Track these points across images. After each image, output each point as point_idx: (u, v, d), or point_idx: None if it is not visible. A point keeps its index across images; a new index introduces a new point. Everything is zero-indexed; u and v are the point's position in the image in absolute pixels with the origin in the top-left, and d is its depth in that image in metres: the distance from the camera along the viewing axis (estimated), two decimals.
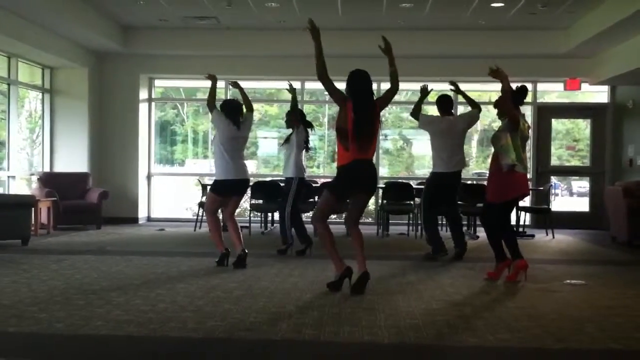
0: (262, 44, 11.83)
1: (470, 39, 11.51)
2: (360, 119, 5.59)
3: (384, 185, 10.85)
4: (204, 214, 7.54)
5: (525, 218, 11.78)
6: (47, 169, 11.80)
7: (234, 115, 7.24)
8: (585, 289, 6.10)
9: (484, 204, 6.85)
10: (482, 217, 6.75)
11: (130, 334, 4.27)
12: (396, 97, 13.10)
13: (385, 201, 10.62)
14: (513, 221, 10.95)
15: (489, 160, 6.73)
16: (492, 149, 6.56)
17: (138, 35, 11.91)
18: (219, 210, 7.55)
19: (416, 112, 8.00)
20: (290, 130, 8.36)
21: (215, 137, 7.26)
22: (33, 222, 9.41)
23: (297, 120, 8.21)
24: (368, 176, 5.76)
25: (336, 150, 5.81)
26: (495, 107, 6.68)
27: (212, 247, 7.50)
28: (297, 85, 12.83)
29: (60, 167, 11.86)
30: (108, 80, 12.38)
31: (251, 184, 10.67)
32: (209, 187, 7.86)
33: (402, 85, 13.07)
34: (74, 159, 11.88)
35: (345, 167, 5.68)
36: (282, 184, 8.55)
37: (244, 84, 13.36)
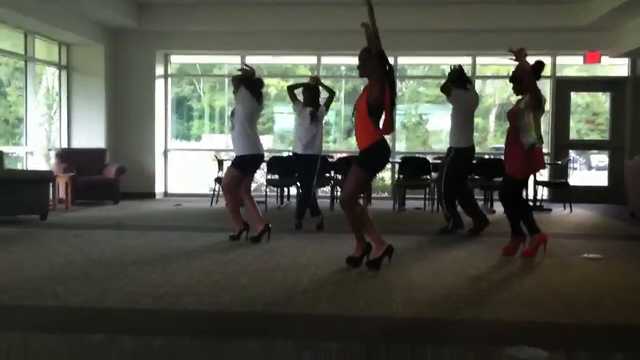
0: (278, 19, 11.74)
1: (489, 12, 11.35)
2: (393, 98, 5.62)
3: (400, 160, 10.80)
4: (222, 191, 7.40)
5: (543, 192, 11.69)
6: (64, 145, 11.86)
7: (258, 90, 7.31)
8: (603, 264, 6.06)
9: (504, 179, 6.71)
10: (503, 192, 6.66)
11: (146, 307, 4.30)
12: (413, 72, 13.14)
13: (401, 176, 10.59)
14: (531, 195, 10.93)
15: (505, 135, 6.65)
16: (508, 124, 6.51)
17: (153, 12, 11.86)
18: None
19: (447, 88, 7.92)
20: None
21: (238, 112, 7.16)
22: (51, 198, 9.48)
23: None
24: (389, 154, 5.90)
25: (355, 126, 5.72)
26: (511, 81, 6.54)
27: (228, 222, 7.52)
28: (313, 60, 12.81)
29: (78, 143, 11.92)
30: (124, 56, 12.37)
31: (267, 159, 10.71)
32: (227, 164, 7.78)
33: (419, 60, 13.18)
34: (91, 135, 11.93)
35: (378, 144, 5.62)
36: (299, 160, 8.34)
37: (259, 59, 13.50)
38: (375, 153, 5.64)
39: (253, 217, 7.13)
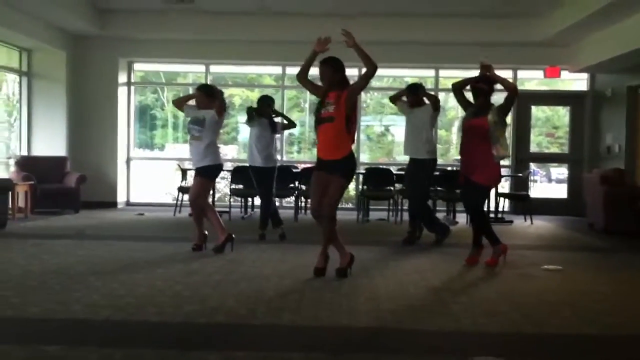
0: (243, 28, 11.73)
1: (451, 26, 11.51)
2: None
3: (364, 171, 10.85)
4: (193, 203, 7.18)
5: (504, 204, 11.85)
6: (24, 153, 11.66)
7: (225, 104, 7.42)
8: (562, 275, 6.16)
9: (474, 189, 6.55)
10: (475, 202, 6.63)
11: (107, 319, 4.24)
12: (377, 84, 13.24)
13: (365, 187, 10.64)
14: (492, 207, 11.07)
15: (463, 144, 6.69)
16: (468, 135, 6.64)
17: (116, 19, 11.75)
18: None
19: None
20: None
21: (210, 123, 7.03)
22: (10, 206, 9.31)
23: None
24: None
25: (328, 137, 5.72)
26: (478, 95, 6.64)
27: (191, 231, 7.47)
28: (278, 70, 12.83)
29: (38, 151, 11.73)
30: (86, 63, 12.23)
31: (231, 168, 10.67)
32: (192, 173, 7.59)
33: (384, 72, 13.27)
34: (52, 142, 11.75)
35: (353, 153, 5.88)
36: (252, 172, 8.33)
37: (224, 68, 13.47)
38: (352, 162, 5.84)
39: (216, 226, 7.09)
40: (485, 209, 11.29)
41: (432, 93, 8.76)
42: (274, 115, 8.31)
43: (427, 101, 7.89)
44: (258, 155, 8.09)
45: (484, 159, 6.42)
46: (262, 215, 8.32)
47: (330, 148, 5.69)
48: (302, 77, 5.87)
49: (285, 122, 8.59)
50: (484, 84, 6.60)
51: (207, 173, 7.11)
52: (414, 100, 7.94)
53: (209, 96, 7.16)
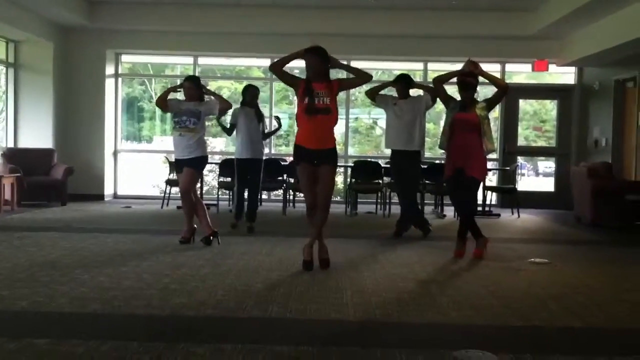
0: (232, 20, 11.69)
1: (440, 19, 11.52)
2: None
3: (352, 164, 10.86)
4: (184, 195, 7.08)
5: (492, 198, 11.89)
6: (11, 145, 11.58)
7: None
8: (549, 268, 6.20)
9: (469, 184, 6.57)
10: (470, 196, 6.77)
11: (94, 312, 4.23)
12: None
13: (353, 180, 10.64)
14: (480, 200, 11.11)
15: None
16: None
17: (104, 10, 11.68)
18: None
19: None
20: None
21: (203, 116, 7.08)
22: None
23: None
24: None
25: (324, 125, 5.78)
26: (467, 89, 6.62)
27: (178, 224, 7.45)
28: (266, 62, 12.77)
29: (25, 143, 11.65)
30: (74, 55, 12.15)
31: (219, 161, 10.64)
32: (178, 166, 7.43)
33: (372, 64, 13.27)
34: (38, 134, 11.67)
35: None
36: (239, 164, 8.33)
37: (212, 60, 13.41)
38: (336, 151, 5.94)
39: (203, 221, 7.09)
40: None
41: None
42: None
43: (420, 92, 7.86)
44: (243, 147, 8.08)
45: (477, 153, 6.50)
46: (249, 209, 8.29)
47: (324, 138, 5.74)
48: (279, 67, 5.88)
49: (272, 127, 8.78)
50: (472, 78, 6.63)
51: (199, 164, 7.11)
52: (405, 91, 7.86)
53: (199, 87, 7.16)
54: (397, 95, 7.91)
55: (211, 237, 7.01)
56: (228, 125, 8.31)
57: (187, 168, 7.01)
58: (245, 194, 8.38)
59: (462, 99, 6.68)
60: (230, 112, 7.98)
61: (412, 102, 7.83)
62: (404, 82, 7.87)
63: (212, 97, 7.39)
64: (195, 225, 7.16)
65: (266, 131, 8.50)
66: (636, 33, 9.09)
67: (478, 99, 6.80)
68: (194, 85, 7.13)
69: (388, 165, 10.42)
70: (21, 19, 10.63)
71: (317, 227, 5.82)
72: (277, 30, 11.57)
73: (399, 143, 7.82)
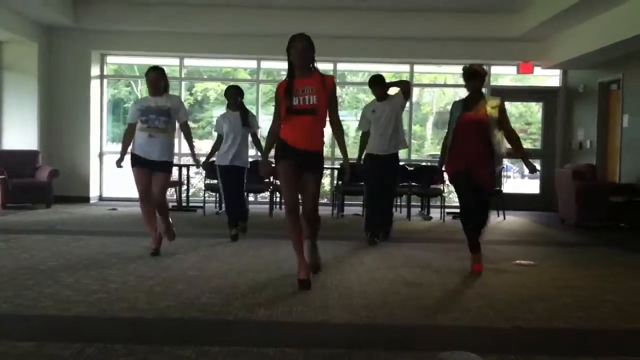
0: (219, 21, 11.67)
1: (425, 21, 11.56)
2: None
3: (339, 166, 10.86)
4: (159, 201, 6.51)
5: None
6: None
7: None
8: (534, 270, 6.22)
9: (483, 192, 5.88)
10: (486, 205, 6.07)
11: (79, 315, 4.21)
12: (353, 78, 13.25)
13: (340, 182, 10.64)
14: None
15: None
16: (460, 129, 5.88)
17: (89, 10, 11.62)
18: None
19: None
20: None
21: (177, 118, 6.53)
22: None
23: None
24: None
25: (309, 125, 5.13)
26: (472, 77, 5.93)
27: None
28: (253, 64, 12.78)
29: (9, 145, 11.56)
30: (59, 55, 12.07)
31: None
32: (140, 166, 6.85)
33: (359, 66, 13.31)
34: (23, 136, 11.59)
35: None
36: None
37: (198, 61, 13.37)
38: (322, 156, 5.36)
39: (170, 228, 6.71)
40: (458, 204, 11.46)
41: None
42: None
43: (393, 91, 7.62)
44: (227, 153, 7.58)
45: (486, 161, 5.83)
46: (232, 214, 7.82)
47: (311, 138, 5.12)
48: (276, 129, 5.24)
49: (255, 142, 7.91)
50: (478, 65, 6.04)
51: (170, 168, 6.59)
52: (383, 92, 7.61)
53: (165, 78, 6.52)
54: (375, 100, 7.68)
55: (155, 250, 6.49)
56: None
57: (163, 173, 6.44)
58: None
59: (467, 89, 5.96)
60: (214, 121, 7.46)
61: (390, 103, 7.56)
62: (379, 83, 7.60)
63: (177, 101, 6.70)
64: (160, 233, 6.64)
65: (257, 131, 8.04)
66: (620, 35, 9.17)
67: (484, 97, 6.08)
68: (160, 75, 6.45)
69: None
70: (4, 19, 10.55)
71: (310, 236, 5.37)
72: (263, 31, 11.56)
73: (376, 146, 7.55)
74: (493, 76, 12.78)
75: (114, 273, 5.53)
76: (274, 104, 5.31)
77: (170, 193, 12.30)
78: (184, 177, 11.29)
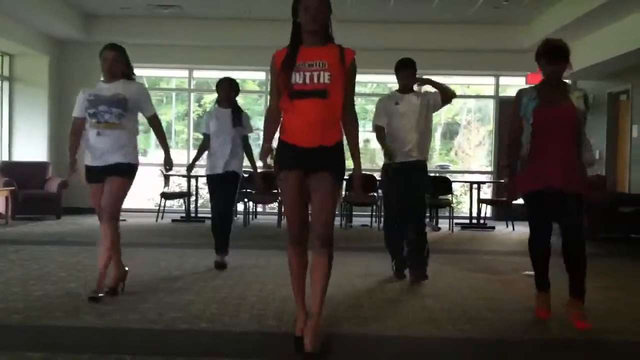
0: (227, 34, 11.74)
1: (434, 32, 11.58)
2: None
3: (347, 177, 10.85)
4: (114, 215, 5.18)
5: (487, 210, 11.91)
6: (5, 158, 11.56)
7: None
8: None
9: (572, 204, 4.61)
10: (571, 220, 4.70)
11: (89, 325, 4.21)
12: (361, 89, 13.27)
13: (348, 193, 10.64)
14: (475, 213, 11.10)
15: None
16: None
17: (100, 24, 11.71)
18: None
19: None
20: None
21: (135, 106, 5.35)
22: None
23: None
24: None
25: (318, 113, 3.73)
26: (561, 57, 4.75)
27: (174, 237, 7.41)
28: (262, 76, 12.82)
29: (20, 156, 11.63)
30: (69, 68, 12.16)
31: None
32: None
33: (367, 77, 13.33)
34: (33, 148, 11.66)
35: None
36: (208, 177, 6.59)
37: (207, 73, 13.43)
38: (343, 152, 3.87)
39: (118, 257, 5.21)
40: (467, 214, 11.42)
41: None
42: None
43: (429, 89, 6.18)
44: (214, 159, 6.36)
45: (575, 162, 4.55)
46: (221, 235, 6.52)
47: (322, 131, 3.68)
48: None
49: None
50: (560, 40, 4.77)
51: (128, 172, 5.15)
52: (411, 81, 6.16)
53: (126, 59, 5.20)
54: (397, 91, 6.21)
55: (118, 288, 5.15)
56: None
57: (115, 177, 5.03)
58: None
59: (547, 76, 4.64)
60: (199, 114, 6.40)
61: (418, 98, 6.07)
62: (411, 66, 6.17)
63: (139, 88, 5.40)
64: (126, 268, 5.30)
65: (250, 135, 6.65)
66: (629, 46, 9.16)
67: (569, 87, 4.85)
68: (118, 54, 5.08)
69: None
70: (16, 32, 10.64)
71: (316, 294, 3.73)
72: (272, 43, 11.54)
73: (403, 152, 5.90)
74: (501, 87, 12.78)
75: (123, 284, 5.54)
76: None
77: (179, 204, 12.38)
78: (193, 187, 11.34)
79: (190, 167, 6.78)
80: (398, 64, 6.24)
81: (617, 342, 4.21)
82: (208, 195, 6.51)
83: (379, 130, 6.03)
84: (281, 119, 3.80)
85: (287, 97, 3.68)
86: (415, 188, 5.90)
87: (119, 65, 5.08)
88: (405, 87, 6.12)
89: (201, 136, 6.80)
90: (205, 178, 6.64)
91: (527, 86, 5.04)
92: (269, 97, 3.93)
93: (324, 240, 3.67)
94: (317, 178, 3.67)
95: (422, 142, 5.95)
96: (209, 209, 7.03)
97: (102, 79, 5.17)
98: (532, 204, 4.73)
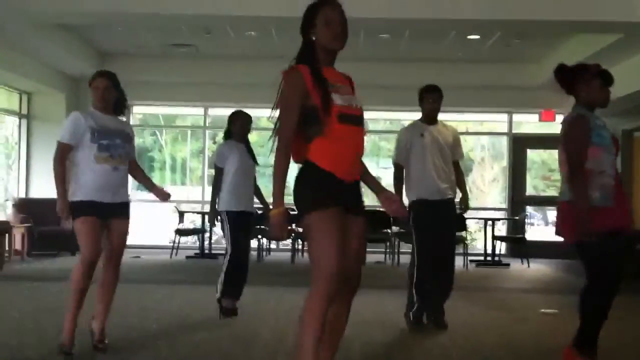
0: (240, 72, 11.88)
1: (447, 70, 11.66)
2: None
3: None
4: (115, 264, 5.08)
5: (501, 247, 11.84)
6: (22, 195, 11.67)
7: None
8: (558, 319, 6.13)
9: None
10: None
11: None
12: (373, 126, 13.33)
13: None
14: (489, 250, 11.03)
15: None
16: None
17: (116, 62, 11.87)
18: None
19: None
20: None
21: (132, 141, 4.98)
22: (7, 249, 9.29)
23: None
24: None
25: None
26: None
27: (187, 274, 7.40)
28: (275, 112, 12.89)
29: (36, 193, 11.74)
30: (85, 105, 12.22)
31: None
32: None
33: (379, 115, 13.41)
34: (50, 184, 11.67)
35: None
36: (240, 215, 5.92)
37: (221, 111, 13.57)
38: None
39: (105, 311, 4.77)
40: (482, 251, 11.36)
41: None
42: None
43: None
44: (238, 194, 5.84)
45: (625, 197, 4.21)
46: (239, 279, 5.91)
47: (358, 163, 3.23)
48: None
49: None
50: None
51: (129, 213, 4.86)
52: (438, 108, 5.64)
53: (118, 88, 4.86)
54: (421, 121, 5.68)
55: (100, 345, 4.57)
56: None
57: (124, 220, 4.78)
58: None
59: (604, 102, 4.52)
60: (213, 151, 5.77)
61: (444, 130, 5.67)
62: (439, 92, 5.67)
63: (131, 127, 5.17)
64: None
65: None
66: None
67: None
68: (111, 83, 4.78)
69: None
70: (33, 70, 10.83)
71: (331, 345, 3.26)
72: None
73: (429, 187, 5.39)
74: (515, 124, 12.80)
75: (136, 321, 5.56)
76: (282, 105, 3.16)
77: (193, 241, 12.41)
78: (207, 225, 11.37)
79: (214, 212, 5.96)
80: (426, 87, 5.70)
81: None
82: (223, 232, 5.97)
83: (397, 169, 5.56)
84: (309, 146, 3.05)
85: (336, 118, 3.00)
86: (449, 227, 5.56)
87: (112, 93, 4.75)
88: (433, 114, 5.63)
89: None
90: (225, 214, 5.85)
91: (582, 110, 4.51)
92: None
93: (355, 288, 3.17)
94: (354, 224, 3.12)
95: (450, 178, 5.53)
96: (221, 245, 6.43)
97: (92, 108, 4.80)
98: (615, 248, 4.04)
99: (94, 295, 4.68)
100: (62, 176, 4.63)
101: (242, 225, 5.84)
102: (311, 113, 3.01)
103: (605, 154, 4.02)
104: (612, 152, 4.09)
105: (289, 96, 3.08)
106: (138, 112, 13.40)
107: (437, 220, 5.35)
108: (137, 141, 13.40)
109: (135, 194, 13.14)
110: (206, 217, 10.59)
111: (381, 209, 3.70)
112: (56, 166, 4.62)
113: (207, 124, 12.99)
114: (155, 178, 14.15)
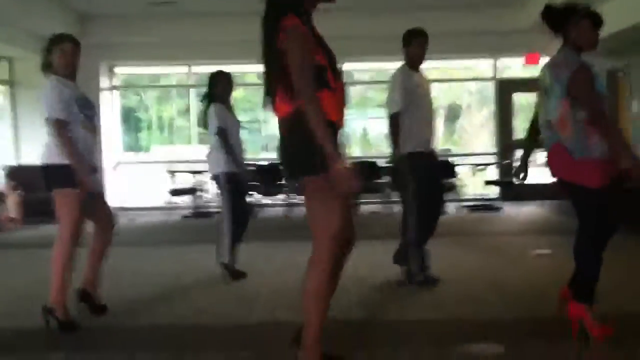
0: (222, 28, 11.74)
1: (430, 16, 11.53)
2: None
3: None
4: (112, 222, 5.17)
5: (493, 191, 11.94)
6: (12, 163, 11.62)
7: None
8: (551, 259, 6.23)
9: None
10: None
11: (103, 325, 4.29)
12: (361, 77, 13.25)
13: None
14: (481, 195, 11.09)
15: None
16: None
17: (96, 24, 11.72)
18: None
19: None
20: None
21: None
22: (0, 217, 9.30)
23: None
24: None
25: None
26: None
27: (182, 234, 7.44)
28: (261, 68, 12.80)
29: (27, 160, 11.68)
30: None
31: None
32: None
33: (366, 65, 13.32)
34: (39, 151, 11.67)
35: None
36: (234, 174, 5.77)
37: (205, 68, 13.43)
38: None
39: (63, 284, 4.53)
40: (472, 196, 11.43)
41: None
42: None
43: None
44: (236, 157, 5.71)
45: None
46: (235, 237, 5.80)
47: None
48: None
49: None
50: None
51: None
52: (423, 54, 5.54)
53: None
54: (409, 67, 5.53)
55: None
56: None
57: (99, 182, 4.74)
58: None
59: (595, 44, 4.28)
60: (211, 111, 5.72)
61: (425, 78, 5.59)
62: (426, 36, 5.57)
63: None
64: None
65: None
66: (626, 22, 9.15)
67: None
68: (76, 46, 4.66)
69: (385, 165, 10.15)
70: (14, 36, 10.66)
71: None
72: None
73: (422, 139, 5.25)
74: (499, 69, 12.77)
75: (132, 282, 5.61)
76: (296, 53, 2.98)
77: (190, 201, 12.41)
78: (200, 184, 11.37)
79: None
80: (413, 31, 5.56)
81: (621, 314, 4.25)
82: (221, 193, 5.77)
83: (394, 117, 5.17)
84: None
85: (334, 76, 3.05)
86: (439, 179, 5.55)
87: (77, 60, 4.57)
88: (419, 61, 5.46)
89: (205, 131, 6.07)
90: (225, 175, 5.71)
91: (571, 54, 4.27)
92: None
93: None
94: None
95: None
96: (215, 205, 6.26)
97: (56, 74, 4.61)
98: (605, 202, 4.08)
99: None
100: (74, 146, 4.41)
101: (239, 185, 5.78)
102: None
103: (604, 102, 3.90)
104: (606, 98, 3.97)
105: (303, 55, 2.96)
106: (121, 72, 13.25)
107: (432, 171, 5.31)
108: (122, 102, 13.42)
109: (126, 155, 13.13)
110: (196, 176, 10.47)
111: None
112: (63, 142, 4.41)
113: (191, 82, 12.89)
114: (144, 139, 14.12)
